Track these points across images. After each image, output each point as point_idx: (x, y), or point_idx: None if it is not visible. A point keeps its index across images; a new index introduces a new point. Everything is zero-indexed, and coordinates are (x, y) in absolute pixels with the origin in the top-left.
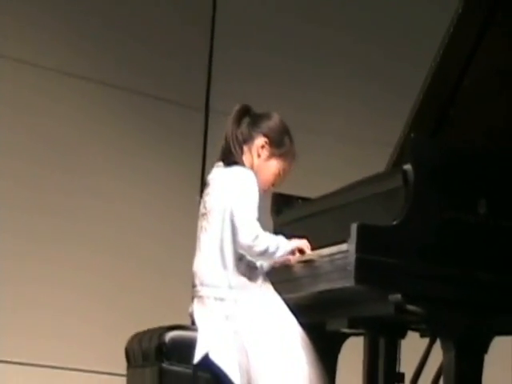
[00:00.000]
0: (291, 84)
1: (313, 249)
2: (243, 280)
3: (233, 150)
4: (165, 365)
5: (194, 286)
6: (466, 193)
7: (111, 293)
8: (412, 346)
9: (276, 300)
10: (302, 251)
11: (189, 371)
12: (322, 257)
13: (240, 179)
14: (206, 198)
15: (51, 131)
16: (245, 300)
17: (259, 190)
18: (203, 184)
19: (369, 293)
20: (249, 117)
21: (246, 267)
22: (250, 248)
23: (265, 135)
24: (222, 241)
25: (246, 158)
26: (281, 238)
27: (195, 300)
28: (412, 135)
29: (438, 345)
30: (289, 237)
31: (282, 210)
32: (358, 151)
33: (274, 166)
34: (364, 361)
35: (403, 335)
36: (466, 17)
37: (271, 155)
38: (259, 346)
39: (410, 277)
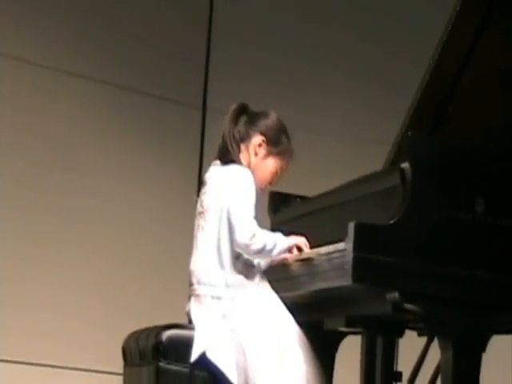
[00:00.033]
0: (289, 83)
1: (310, 247)
2: (240, 278)
3: (230, 148)
4: (162, 363)
5: (191, 284)
6: (463, 191)
7: (109, 292)
8: (410, 345)
9: (273, 298)
10: (299, 249)
11: (186, 370)
12: (320, 255)
13: (237, 177)
14: (203, 196)
15: (50, 130)
16: (242, 298)
17: (256, 189)
18: (200, 183)
19: (366, 291)
20: (246, 115)
21: (243, 266)
22: (246, 246)
23: (262, 133)
24: (219, 239)
25: (243, 156)
26: (278, 235)
27: (192, 299)
28: (410, 133)
29: (435, 344)
30: (286, 235)
31: (280, 209)
32: (357, 150)
33: (271, 164)
34: (361, 359)
35: (401, 334)
36: (464, 15)
37: (268, 154)
38: (256, 344)
39: (408, 275)
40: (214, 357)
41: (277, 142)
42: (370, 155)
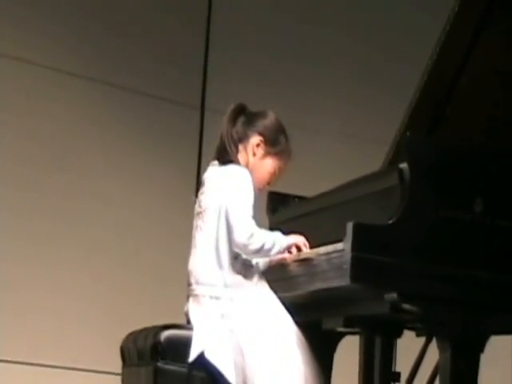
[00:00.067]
0: (288, 83)
1: (309, 247)
2: (239, 278)
3: (228, 148)
4: (160, 364)
5: (189, 284)
6: (462, 191)
7: (107, 292)
8: (408, 345)
9: (272, 298)
10: (298, 248)
11: (184, 370)
12: (318, 255)
13: (235, 177)
14: (202, 196)
15: (48, 132)
16: (240, 298)
17: (254, 189)
18: (199, 184)
19: (364, 292)
20: (244, 115)
21: (242, 266)
22: (245, 246)
23: (260, 134)
24: (217, 239)
25: (241, 156)
26: (277, 234)
27: (190, 299)
28: (408, 133)
29: (434, 344)
30: (285, 234)
31: (278, 209)
32: (356, 151)
33: (269, 164)
34: (360, 360)
35: (399, 334)
36: (463, 15)
37: (266, 154)
38: (254, 344)
39: (406, 275)
40: (212, 357)
41: (275, 142)
42: (368, 155)
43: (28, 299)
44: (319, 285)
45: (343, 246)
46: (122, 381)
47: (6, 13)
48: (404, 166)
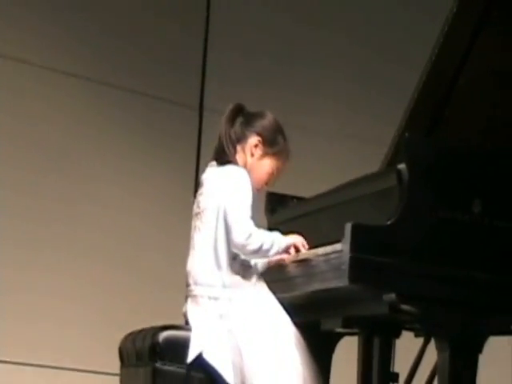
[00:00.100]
0: (286, 84)
1: (307, 248)
2: (237, 279)
3: (226, 149)
4: (158, 364)
5: (187, 285)
6: (460, 192)
7: (105, 293)
8: (406, 346)
9: (270, 299)
10: (297, 248)
11: (182, 371)
12: (317, 256)
13: (233, 178)
14: (200, 197)
15: (46, 135)
16: (239, 299)
17: (253, 189)
18: (197, 185)
19: (363, 292)
20: (242, 116)
21: (240, 266)
22: (243, 247)
23: (258, 134)
24: (215, 240)
25: (239, 157)
26: (276, 235)
27: (189, 299)
28: (406, 134)
29: (432, 344)
30: (284, 235)
31: (277, 210)
32: (354, 151)
33: (267, 164)
34: (358, 360)
35: (397, 335)
36: (461, 16)
37: (265, 154)
38: (253, 344)
39: (404, 276)
40: (210, 357)
41: (273, 142)
42: (367, 156)
43: (27, 301)
44: (318, 285)
45: (342, 247)
46: (121, 381)
47: (2, 13)
48: (402, 166)
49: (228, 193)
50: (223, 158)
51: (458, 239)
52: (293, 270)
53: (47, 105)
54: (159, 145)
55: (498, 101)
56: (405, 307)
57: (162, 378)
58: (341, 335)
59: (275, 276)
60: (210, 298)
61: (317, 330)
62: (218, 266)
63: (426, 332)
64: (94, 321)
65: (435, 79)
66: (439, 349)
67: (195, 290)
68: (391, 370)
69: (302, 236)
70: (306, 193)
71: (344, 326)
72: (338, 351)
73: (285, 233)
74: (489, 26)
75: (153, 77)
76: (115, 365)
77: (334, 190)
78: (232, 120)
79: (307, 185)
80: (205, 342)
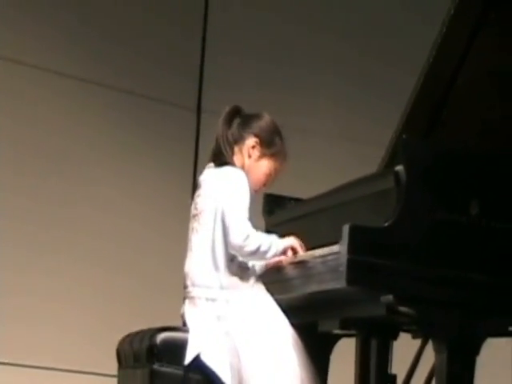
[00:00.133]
0: (284, 86)
1: (305, 250)
2: (235, 280)
3: (223, 150)
4: (156, 366)
5: (185, 286)
6: (458, 194)
7: (103, 295)
8: (404, 348)
9: (268, 300)
10: (294, 250)
11: (180, 372)
12: (314, 258)
13: (231, 179)
14: (198, 199)
15: (44, 137)
16: (236, 300)
17: (250, 190)
18: (195, 187)
19: (360, 294)
20: (239, 117)
21: (238, 268)
22: (240, 248)
23: (255, 135)
24: (213, 241)
25: (236, 158)
26: (273, 237)
27: (187, 301)
28: (404, 136)
29: (430, 346)
30: (281, 237)
31: (274, 211)
32: (352, 153)
33: (264, 166)
34: (356, 362)
35: (395, 336)
36: (459, 17)
37: (262, 155)
38: (251, 346)
39: (402, 278)
40: (208, 359)
41: (270, 143)
42: (364, 158)
43: (27, 303)
44: (315, 287)
45: (339, 249)
46: (118, 383)
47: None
48: (400, 168)
49: (226, 194)
50: (221, 159)
51: (456, 241)
52: (290, 271)
53: (43, 106)
54: (157, 146)
55: (496, 102)
56: (402, 309)
57: (159, 380)
58: (338, 337)
59: (273, 277)
60: (207, 299)
61: (314, 332)
62: (216, 268)
63: (423, 334)
64: (93, 323)
65: (433, 81)
66: (437, 350)
67: (193, 291)
68: (389, 371)
69: (299, 238)
70: (304, 194)
71: (341, 328)
72: (336, 353)
73: (282, 234)
74: (486, 27)
75: (150, 78)
76: (113, 366)
77: (331, 191)
78: (229, 121)
79: (305, 186)
80: (202, 344)
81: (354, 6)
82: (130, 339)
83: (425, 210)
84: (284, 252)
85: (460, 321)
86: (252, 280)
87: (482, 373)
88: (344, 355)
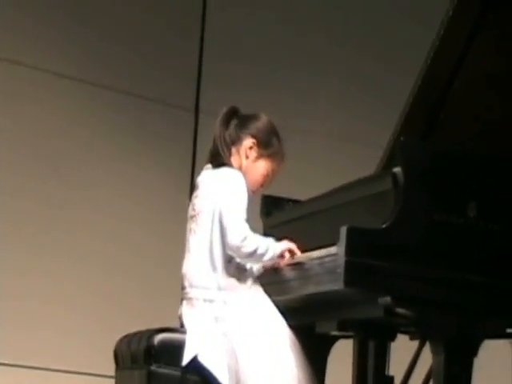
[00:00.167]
0: (282, 86)
1: (302, 251)
2: (232, 281)
3: (221, 151)
4: (153, 367)
5: (183, 287)
6: (455, 195)
7: (102, 296)
8: (401, 349)
9: (265, 302)
10: (292, 253)
11: (177, 374)
12: (312, 259)
13: (229, 180)
14: (195, 200)
15: (42, 139)
16: (234, 301)
17: (248, 192)
18: (192, 188)
19: (358, 295)
20: (237, 118)
21: (236, 269)
22: (238, 249)
23: (253, 136)
24: (211, 242)
25: (234, 159)
26: (270, 241)
27: (184, 302)
28: (402, 138)
29: (427, 348)
30: (279, 239)
31: (272, 213)
32: (350, 155)
33: (262, 166)
34: (353, 363)
35: (393, 338)
36: (457, 19)
37: (259, 156)
38: (248, 347)
39: (400, 279)
40: (205, 360)
41: (267, 144)
42: (362, 159)
43: (26, 306)
44: (312, 289)
45: (337, 250)
46: None
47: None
48: (398, 170)
49: (223, 195)
50: (218, 160)
51: (454, 242)
52: (288, 273)
53: (41, 107)
54: (155, 147)
55: (493, 104)
56: (400, 310)
57: (157, 381)
58: (336, 338)
59: (270, 279)
60: (205, 300)
61: (312, 333)
62: (214, 269)
63: (421, 335)
64: (91, 324)
65: (430, 83)
66: (434, 352)
67: (190, 292)
68: (386, 373)
69: (297, 240)
70: (302, 196)
71: (339, 329)
72: (333, 354)
73: (280, 236)
74: (485, 29)
75: (148, 79)
76: (111, 367)
77: (329, 193)
78: (226, 122)
79: (303, 188)
80: (200, 345)
81: (353, 7)
82: (127, 340)
83: (422, 212)
84: (281, 255)
85: (458, 322)
86: (250, 281)
87: (479, 374)
88: (341, 357)
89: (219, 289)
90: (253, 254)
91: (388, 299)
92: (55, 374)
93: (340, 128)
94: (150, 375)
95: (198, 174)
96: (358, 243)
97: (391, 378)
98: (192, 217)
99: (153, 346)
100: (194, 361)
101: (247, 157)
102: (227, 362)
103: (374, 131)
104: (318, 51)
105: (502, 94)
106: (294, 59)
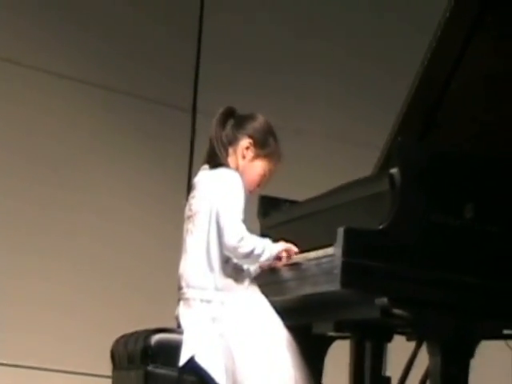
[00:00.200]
0: (279, 87)
1: (299, 252)
2: (229, 282)
3: (218, 152)
4: (150, 368)
5: (180, 288)
6: (452, 197)
7: (99, 296)
8: (398, 350)
9: (262, 302)
10: (288, 253)
11: (174, 374)
12: (309, 260)
13: (225, 180)
14: (192, 200)
15: (37, 138)
16: (231, 302)
17: (245, 192)
18: (189, 189)
19: (355, 296)
20: (233, 118)
21: (233, 269)
22: (235, 249)
23: (249, 136)
24: (208, 243)
25: (231, 159)
26: (267, 242)
27: (181, 302)
28: (399, 139)
29: (424, 348)
30: (276, 240)
31: (269, 213)
32: (347, 155)
33: (259, 166)
34: (350, 364)
35: (389, 339)
36: (455, 20)
37: (256, 156)
38: (245, 348)
39: (397, 280)
40: (202, 361)
41: (264, 144)
42: (360, 160)
43: (23, 305)
44: (309, 289)
45: (334, 251)
46: None
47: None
48: (395, 170)
49: (220, 196)
50: (215, 160)
51: (450, 243)
52: (285, 273)
53: (39, 107)
54: (152, 147)
55: (491, 105)
56: (397, 311)
57: (153, 381)
58: (333, 339)
59: (267, 279)
60: (202, 300)
61: (309, 334)
62: (211, 269)
63: (417, 336)
64: (88, 324)
65: (428, 84)
66: (431, 353)
67: (187, 292)
68: (383, 373)
69: (294, 241)
70: (299, 196)
71: (336, 330)
72: (330, 355)
73: (276, 239)
74: (482, 30)
75: (146, 79)
76: (107, 367)
77: (326, 193)
78: (223, 123)
79: (300, 188)
80: (197, 346)
81: (351, 9)
82: (124, 340)
83: (419, 213)
84: (278, 257)
85: (454, 323)
86: (247, 282)
87: (476, 375)
88: (338, 357)
89: (216, 289)
90: (249, 255)
91: (385, 300)
92: (53, 374)
93: (338, 129)
94: (147, 375)
95: (195, 174)
96: (355, 244)
97: (388, 379)
98: (189, 217)
99: (150, 347)
100: (191, 361)
101: (244, 157)
102: (224, 363)
103: (373, 132)
104: (316, 52)
105: (500, 96)
106: (291, 60)
